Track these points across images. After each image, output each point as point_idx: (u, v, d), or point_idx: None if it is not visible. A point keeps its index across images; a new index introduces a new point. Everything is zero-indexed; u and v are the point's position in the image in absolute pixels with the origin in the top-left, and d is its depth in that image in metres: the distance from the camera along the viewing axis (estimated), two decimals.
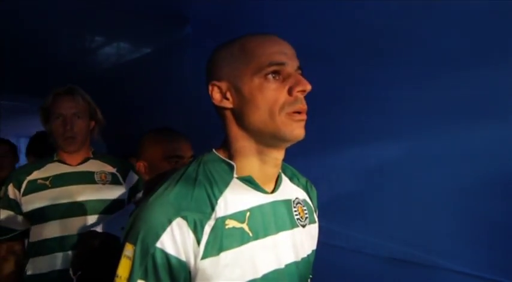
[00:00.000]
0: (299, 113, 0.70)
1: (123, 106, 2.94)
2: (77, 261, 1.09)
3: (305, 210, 0.85)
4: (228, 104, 0.72)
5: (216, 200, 0.68)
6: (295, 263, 0.77)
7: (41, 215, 1.41)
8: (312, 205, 0.90)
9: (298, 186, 0.88)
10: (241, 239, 0.68)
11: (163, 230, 0.62)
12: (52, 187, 1.43)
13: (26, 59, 2.78)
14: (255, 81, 0.69)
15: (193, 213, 0.65)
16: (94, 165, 1.51)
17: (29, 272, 1.40)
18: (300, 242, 0.80)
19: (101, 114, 1.53)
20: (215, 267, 0.65)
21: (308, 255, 0.82)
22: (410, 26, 1.22)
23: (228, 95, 0.72)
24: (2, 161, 2.28)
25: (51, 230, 1.40)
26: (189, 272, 0.64)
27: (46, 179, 1.44)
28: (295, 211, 0.81)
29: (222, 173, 0.73)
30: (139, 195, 1.54)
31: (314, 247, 0.86)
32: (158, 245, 0.62)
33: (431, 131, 1.22)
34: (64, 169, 1.47)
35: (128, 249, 0.64)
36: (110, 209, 1.44)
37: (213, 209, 0.67)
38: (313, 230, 0.87)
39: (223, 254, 0.66)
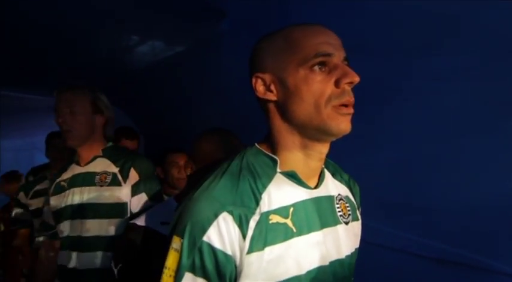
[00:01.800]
0: (346, 106, 0.67)
1: (159, 103, 3.01)
2: (118, 254, 1.11)
3: (348, 207, 0.82)
4: (271, 97, 0.71)
5: (260, 194, 0.68)
6: (339, 261, 0.75)
7: (57, 215, 1.48)
8: (354, 202, 0.87)
9: (340, 182, 0.86)
10: (285, 234, 0.67)
11: (210, 224, 0.63)
12: (67, 189, 1.47)
13: (65, 57, 2.90)
14: (301, 73, 0.67)
15: (239, 207, 0.64)
16: (99, 165, 1.47)
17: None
18: (343, 239, 0.77)
19: (112, 112, 1.50)
20: (260, 262, 0.64)
21: (351, 254, 0.80)
22: (456, 13, 1.15)
23: (272, 87, 0.70)
24: (62, 155, 2.29)
25: (63, 229, 1.45)
26: (235, 267, 0.64)
27: (65, 180, 1.49)
28: (338, 207, 0.79)
29: (265, 167, 0.72)
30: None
31: (357, 245, 0.84)
32: (205, 238, 0.63)
33: (480, 127, 1.14)
34: (76, 170, 1.49)
35: (176, 242, 0.65)
36: (107, 211, 1.41)
37: (257, 203, 0.67)
38: (356, 227, 0.85)
39: (267, 249, 0.65)
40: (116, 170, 1.46)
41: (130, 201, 1.44)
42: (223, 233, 0.63)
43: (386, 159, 1.33)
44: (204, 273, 0.63)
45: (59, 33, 2.49)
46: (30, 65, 3.26)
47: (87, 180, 1.45)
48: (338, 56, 0.68)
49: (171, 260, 0.65)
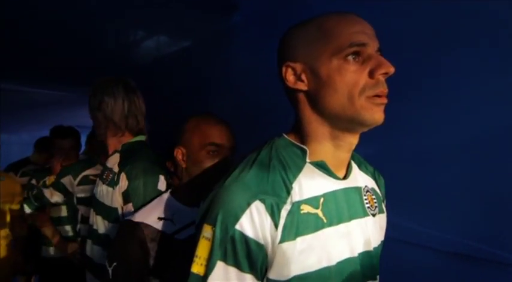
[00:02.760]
0: (379, 96, 0.66)
1: (169, 97, 3.00)
2: (113, 252, 1.06)
3: (374, 199, 0.82)
4: (302, 86, 0.70)
5: (291, 184, 0.67)
6: (367, 253, 0.75)
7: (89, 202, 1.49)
8: (380, 194, 0.87)
9: (366, 174, 0.86)
10: (316, 225, 0.67)
11: (243, 212, 0.62)
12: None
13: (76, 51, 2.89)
14: (334, 63, 0.66)
15: (270, 196, 0.64)
16: (112, 160, 1.40)
17: None
18: (371, 231, 0.77)
19: (109, 110, 1.38)
20: (291, 252, 0.64)
21: (378, 246, 0.80)
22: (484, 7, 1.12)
23: (303, 76, 0.69)
24: (69, 154, 2.38)
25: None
26: (266, 256, 0.63)
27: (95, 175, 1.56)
28: (366, 199, 0.79)
29: (295, 157, 0.71)
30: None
31: (382, 238, 0.84)
32: (237, 227, 0.62)
33: (502, 120, 1.12)
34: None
35: (207, 231, 0.64)
36: (104, 211, 1.36)
37: (288, 193, 0.66)
38: (382, 220, 0.84)
39: (299, 239, 0.65)
40: (117, 169, 1.34)
41: (122, 209, 1.30)
42: (255, 222, 0.62)
43: (405, 152, 1.31)
44: (235, 262, 0.62)
45: (68, 27, 2.49)
46: (39, 60, 3.26)
47: (101, 173, 1.44)
48: (372, 46, 0.67)
49: (202, 249, 0.64)
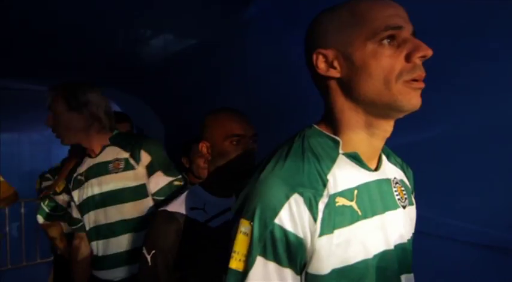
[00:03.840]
0: (416, 80, 0.64)
1: (182, 93, 2.99)
2: (151, 241, 1.10)
3: (403, 190, 0.80)
4: (335, 74, 0.67)
5: (326, 176, 0.65)
6: (402, 245, 0.74)
7: (81, 208, 1.52)
8: (409, 186, 0.85)
9: (395, 165, 0.84)
10: (351, 217, 0.66)
11: (281, 205, 0.60)
12: (85, 181, 1.50)
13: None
14: (369, 47, 0.63)
15: (308, 189, 0.62)
16: (110, 153, 1.50)
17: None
18: (403, 223, 0.76)
19: (96, 105, 1.47)
20: (330, 245, 0.62)
21: (411, 238, 0.78)
22: None
23: (336, 63, 0.67)
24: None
25: (89, 221, 1.50)
26: (305, 250, 0.62)
27: (82, 174, 1.53)
28: (396, 191, 0.77)
29: (327, 148, 0.69)
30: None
31: (413, 230, 0.82)
32: (276, 221, 0.60)
33: None
34: (89, 162, 1.53)
35: (245, 226, 0.62)
36: (127, 195, 1.45)
37: (324, 185, 0.64)
38: (412, 212, 0.83)
39: (336, 232, 0.63)
40: (126, 155, 1.48)
41: (148, 182, 1.47)
42: (294, 215, 0.60)
43: (431, 142, 1.29)
44: (275, 257, 0.61)
45: (75, 24, 2.48)
46: (50, 58, 3.27)
47: (101, 169, 1.48)
48: (407, 29, 0.64)
49: (240, 244, 0.62)
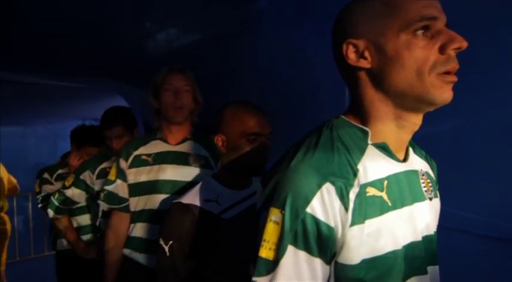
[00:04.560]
0: (449, 73, 0.63)
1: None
2: (168, 231, 1.13)
3: (429, 182, 0.80)
4: (365, 64, 0.67)
5: (356, 166, 0.65)
6: (429, 237, 0.74)
7: (137, 188, 1.51)
8: (434, 178, 0.85)
9: (420, 157, 0.84)
10: (381, 208, 0.66)
11: (313, 194, 0.60)
12: (153, 164, 1.51)
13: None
14: (402, 38, 0.63)
15: (339, 178, 0.62)
16: (190, 147, 1.54)
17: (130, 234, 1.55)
18: (430, 215, 0.76)
19: (201, 97, 1.57)
20: (361, 235, 0.62)
21: (436, 230, 0.78)
22: None
23: (366, 54, 0.66)
24: (119, 143, 2.08)
25: (140, 202, 1.50)
26: (336, 240, 0.62)
27: (149, 155, 1.52)
28: (423, 183, 0.77)
29: (356, 139, 0.69)
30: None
31: (437, 223, 0.81)
32: (308, 210, 0.60)
33: None
34: (164, 147, 1.53)
35: (275, 214, 0.62)
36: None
37: (355, 175, 0.64)
38: (437, 204, 0.82)
39: (367, 222, 0.63)
40: (207, 154, 1.54)
41: None
42: (326, 205, 0.60)
43: (444, 135, 1.28)
44: (306, 246, 0.60)
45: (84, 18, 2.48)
46: (56, 52, 3.26)
47: (180, 159, 1.50)
48: (442, 20, 0.64)
49: (271, 233, 0.62)
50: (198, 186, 1.18)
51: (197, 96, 1.55)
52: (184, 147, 1.54)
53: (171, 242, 1.10)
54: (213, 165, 1.54)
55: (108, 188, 1.57)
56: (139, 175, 1.51)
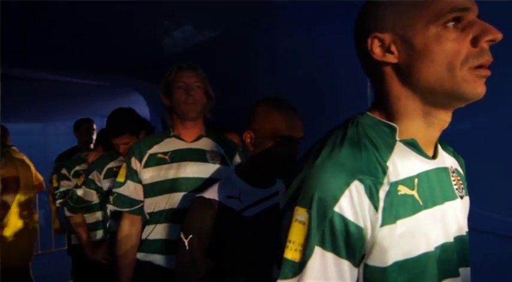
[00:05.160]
0: (482, 67, 0.60)
1: (210, 82, 2.97)
2: (189, 226, 1.12)
3: (460, 180, 0.77)
4: (392, 59, 0.64)
5: (385, 163, 0.62)
6: (461, 237, 0.71)
7: (155, 188, 1.47)
8: (463, 175, 0.81)
9: (449, 154, 0.80)
10: (413, 207, 0.63)
11: (342, 193, 0.57)
12: (171, 162, 1.47)
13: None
14: (431, 30, 0.60)
15: (368, 176, 0.59)
16: (206, 144, 1.54)
17: (142, 237, 1.50)
18: (462, 214, 0.73)
19: (213, 93, 1.55)
20: (392, 236, 0.59)
21: (467, 229, 0.75)
22: None
23: (393, 48, 0.64)
24: (126, 148, 2.09)
25: (159, 202, 1.46)
26: (365, 241, 0.59)
27: (165, 153, 1.49)
28: (453, 180, 0.74)
29: (384, 135, 0.66)
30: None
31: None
32: (336, 209, 0.57)
33: None
34: (180, 145, 1.51)
35: (301, 214, 0.59)
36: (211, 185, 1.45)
37: (384, 173, 0.61)
38: (467, 202, 0.79)
39: (399, 222, 0.60)
40: (222, 150, 1.55)
41: None
42: (355, 204, 0.57)
43: (474, 133, 1.24)
44: (333, 247, 0.58)
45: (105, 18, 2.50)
46: (77, 51, 3.31)
47: (198, 156, 1.50)
48: (474, 11, 0.60)
49: (296, 233, 0.59)
50: (220, 182, 1.17)
51: (209, 92, 1.53)
52: (201, 144, 1.53)
53: (190, 236, 1.09)
54: (229, 162, 1.54)
55: (118, 190, 1.52)
56: (157, 174, 1.46)
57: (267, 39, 2.25)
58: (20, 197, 2.72)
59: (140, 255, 1.49)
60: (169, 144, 1.51)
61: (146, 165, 1.47)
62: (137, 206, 1.50)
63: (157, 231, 1.47)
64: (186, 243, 1.10)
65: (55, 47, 3.22)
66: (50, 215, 4.83)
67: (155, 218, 1.47)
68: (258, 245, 1.07)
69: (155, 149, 1.50)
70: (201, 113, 1.52)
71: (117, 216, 1.66)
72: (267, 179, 1.17)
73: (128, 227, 1.51)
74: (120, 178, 1.53)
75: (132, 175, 1.49)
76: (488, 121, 1.24)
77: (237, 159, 1.58)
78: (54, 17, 2.58)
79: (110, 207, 1.55)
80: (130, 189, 1.50)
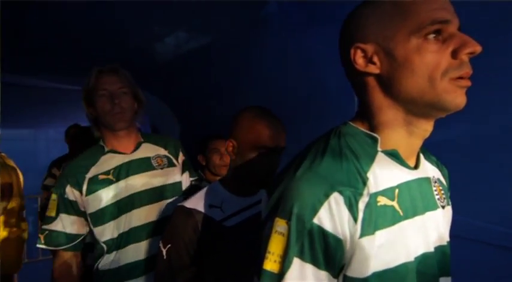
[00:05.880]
0: (462, 78, 0.61)
1: (199, 90, 2.97)
2: (168, 235, 1.11)
3: (442, 190, 0.77)
4: (374, 69, 0.65)
5: (366, 174, 0.63)
6: (442, 247, 0.71)
7: (115, 210, 1.32)
8: (446, 185, 0.82)
9: (431, 163, 0.81)
10: (393, 218, 0.63)
11: (321, 204, 0.58)
12: (117, 180, 1.33)
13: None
14: (412, 42, 0.60)
15: (347, 188, 0.59)
16: (148, 150, 1.42)
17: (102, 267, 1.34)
18: (443, 224, 0.73)
19: (142, 95, 1.40)
20: (371, 247, 0.59)
21: (449, 240, 0.75)
22: None
23: (375, 58, 0.64)
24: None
25: (123, 223, 1.32)
26: (344, 252, 0.59)
27: (107, 173, 1.33)
28: (435, 190, 0.74)
29: (366, 146, 0.67)
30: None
31: (449, 232, 0.78)
32: (315, 221, 0.57)
33: None
34: (121, 159, 1.36)
35: (281, 225, 0.59)
36: (163, 193, 1.40)
37: (364, 184, 0.62)
38: (449, 212, 0.79)
39: (378, 233, 0.60)
40: (165, 152, 1.47)
41: (182, 182, 1.48)
42: (334, 215, 0.58)
43: (461, 142, 1.25)
44: (312, 259, 0.58)
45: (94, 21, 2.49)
46: (66, 56, 3.29)
47: (144, 165, 1.38)
48: (454, 24, 0.61)
49: (276, 244, 0.59)
50: (203, 190, 1.16)
51: (138, 95, 1.37)
52: (143, 152, 1.40)
53: (169, 246, 1.08)
54: (175, 162, 1.46)
55: (49, 227, 1.32)
56: (105, 198, 1.30)
57: (257, 46, 2.25)
58: (11, 205, 2.68)
59: None
60: (108, 162, 1.35)
61: (89, 192, 1.30)
62: (77, 241, 1.34)
63: (120, 257, 1.32)
64: (164, 253, 1.08)
65: (44, 53, 3.20)
66: (37, 224, 4.77)
67: (115, 244, 1.32)
68: (238, 254, 1.06)
69: (93, 171, 1.33)
70: (132, 120, 1.37)
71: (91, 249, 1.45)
72: (249, 188, 1.16)
73: (67, 267, 1.33)
74: (51, 212, 1.33)
75: (67, 207, 1.32)
76: (479, 130, 1.25)
77: (181, 156, 1.51)
78: (44, 22, 2.57)
79: (41, 247, 1.34)
80: (66, 223, 1.32)
